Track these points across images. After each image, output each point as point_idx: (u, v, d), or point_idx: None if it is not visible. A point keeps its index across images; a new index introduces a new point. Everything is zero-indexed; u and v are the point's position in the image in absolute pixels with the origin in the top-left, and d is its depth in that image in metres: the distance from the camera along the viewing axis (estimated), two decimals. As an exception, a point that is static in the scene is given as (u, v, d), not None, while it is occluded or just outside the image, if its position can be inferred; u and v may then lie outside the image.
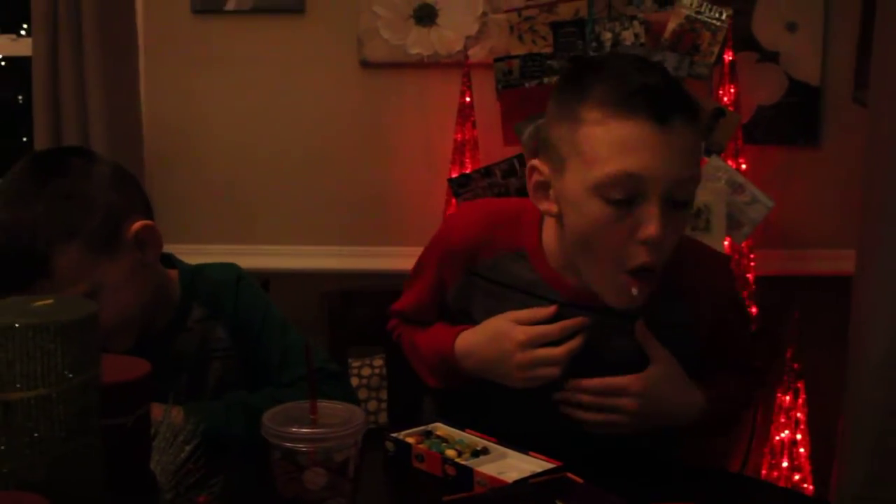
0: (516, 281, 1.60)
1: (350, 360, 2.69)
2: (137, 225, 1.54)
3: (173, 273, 1.69)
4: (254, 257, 2.81)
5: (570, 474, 1.33)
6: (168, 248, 1.74)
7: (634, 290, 1.44)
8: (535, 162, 1.51)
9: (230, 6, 2.99)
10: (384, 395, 2.80)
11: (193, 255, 1.80)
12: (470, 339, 1.62)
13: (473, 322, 1.64)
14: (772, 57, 2.96)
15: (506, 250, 1.61)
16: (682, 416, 1.55)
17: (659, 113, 1.35)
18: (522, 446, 1.46)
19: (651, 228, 1.38)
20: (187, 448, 1.24)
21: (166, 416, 1.27)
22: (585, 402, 1.52)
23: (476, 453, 1.45)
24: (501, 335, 1.56)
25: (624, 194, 1.38)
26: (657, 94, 1.36)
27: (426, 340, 1.71)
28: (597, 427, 1.52)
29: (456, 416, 1.58)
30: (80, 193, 1.49)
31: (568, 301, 1.56)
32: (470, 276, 1.64)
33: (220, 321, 1.67)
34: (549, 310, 1.54)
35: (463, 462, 1.41)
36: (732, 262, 2.80)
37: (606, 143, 1.38)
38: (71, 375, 0.85)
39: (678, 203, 1.40)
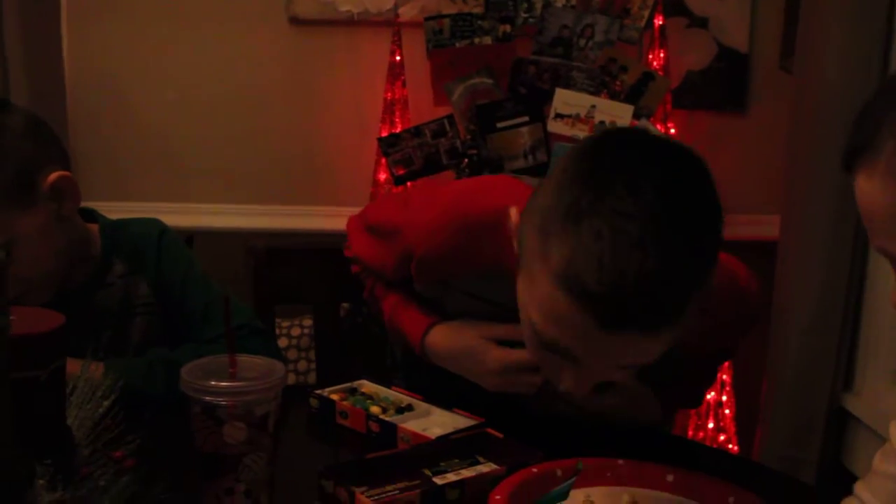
0: (494, 296, 1.45)
1: (278, 320, 2.67)
2: (53, 176, 1.50)
3: (94, 228, 1.66)
4: (179, 215, 2.75)
5: (490, 430, 1.34)
6: (91, 205, 1.71)
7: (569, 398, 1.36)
8: (513, 212, 1.28)
9: (156, -42, 2.93)
10: (314, 355, 2.78)
11: (118, 212, 1.77)
12: (441, 344, 1.54)
13: (445, 311, 1.56)
14: (701, 23, 2.98)
15: (483, 267, 1.43)
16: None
17: (607, 325, 1.11)
18: (447, 403, 1.46)
19: (571, 386, 1.23)
20: (105, 403, 1.22)
21: (84, 371, 1.25)
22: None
23: (401, 410, 1.45)
24: (475, 353, 1.47)
25: (548, 344, 1.20)
26: (624, 311, 1.10)
27: (400, 319, 1.60)
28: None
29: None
30: None
31: None
32: (442, 284, 1.55)
33: (143, 277, 1.65)
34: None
35: (387, 419, 1.41)
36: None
37: (548, 304, 1.15)
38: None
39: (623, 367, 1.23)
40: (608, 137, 1.25)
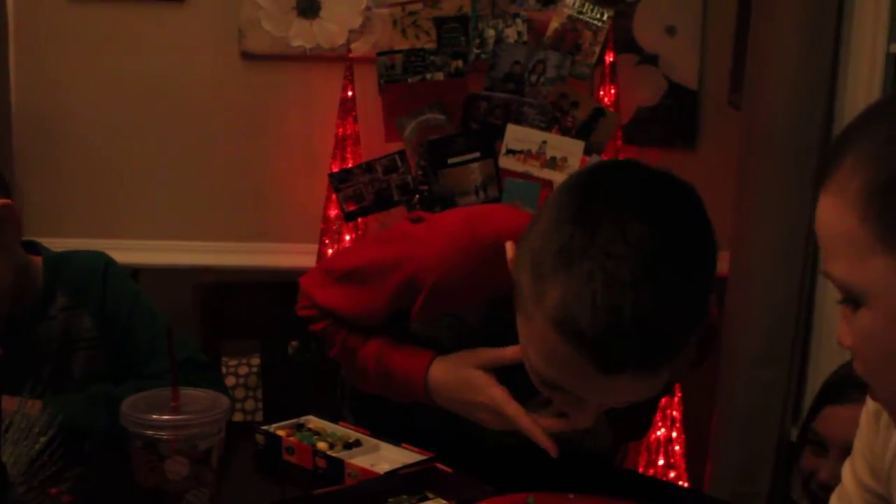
0: (507, 326, 1.28)
1: (225, 359, 2.63)
2: None
3: (37, 260, 1.63)
4: (125, 251, 2.70)
5: (440, 465, 1.32)
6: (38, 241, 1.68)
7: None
8: (509, 246, 1.26)
9: (106, -8, 2.90)
10: (261, 394, 2.75)
11: (62, 248, 1.73)
12: (442, 378, 1.44)
13: (441, 346, 1.47)
14: (651, 59, 3.01)
15: (497, 295, 1.33)
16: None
17: (605, 368, 1.11)
18: (396, 439, 1.44)
19: (579, 422, 1.27)
20: (42, 440, 1.19)
21: (21, 407, 1.22)
22: None
23: (348, 445, 1.43)
24: (473, 389, 1.40)
25: (555, 387, 1.21)
26: (621, 353, 1.10)
27: (392, 361, 1.48)
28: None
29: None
30: None
31: None
32: (451, 317, 1.46)
33: (86, 310, 1.62)
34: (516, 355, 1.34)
35: (334, 454, 1.38)
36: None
37: (545, 345, 1.14)
38: None
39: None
40: (600, 172, 1.23)
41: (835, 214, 0.89)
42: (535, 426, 1.32)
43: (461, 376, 1.41)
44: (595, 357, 1.09)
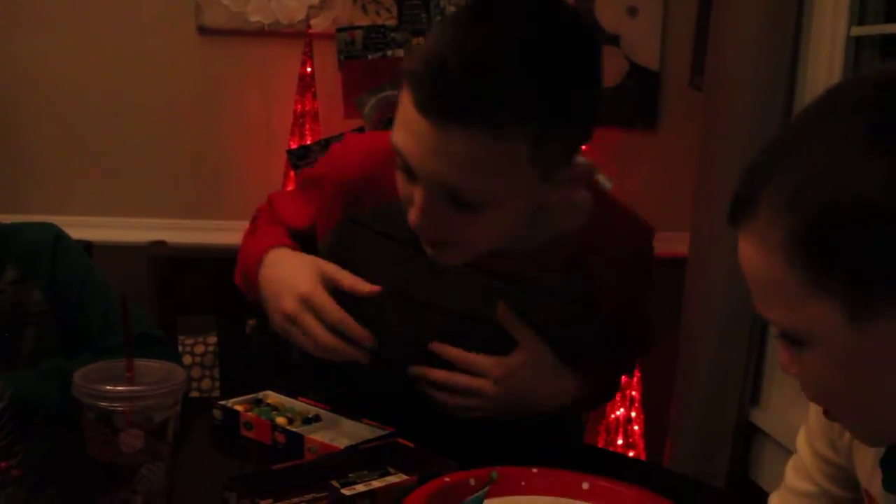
0: (400, 232, 1.38)
1: (181, 338, 2.59)
2: None
3: None
4: (78, 228, 2.64)
5: (401, 439, 1.30)
6: (-16, 217, 1.63)
7: (428, 250, 1.33)
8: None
9: (59, -35, 2.84)
10: (218, 372, 2.71)
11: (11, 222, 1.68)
12: (277, 258, 1.44)
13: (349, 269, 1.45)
14: (613, 40, 3.00)
15: (392, 197, 1.36)
16: (549, 405, 1.45)
17: (433, 113, 1.15)
18: (355, 413, 1.42)
19: (413, 214, 1.25)
20: (-8, 414, 1.15)
21: (-31, 381, 1.18)
22: (440, 379, 1.40)
23: (308, 420, 1.40)
24: (300, 277, 1.38)
25: (402, 163, 1.24)
26: (448, 92, 1.14)
27: (259, 235, 1.53)
28: (454, 410, 1.41)
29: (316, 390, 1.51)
30: None
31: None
32: (350, 223, 1.47)
33: (36, 284, 1.57)
34: (367, 288, 1.37)
35: (293, 429, 1.36)
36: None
37: (401, 105, 1.21)
38: None
39: (462, 204, 1.22)
40: None
41: (761, 262, 0.87)
42: (347, 318, 1.33)
43: (297, 263, 1.41)
44: (423, 100, 1.14)
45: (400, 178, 1.28)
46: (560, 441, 1.60)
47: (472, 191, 1.20)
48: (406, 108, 1.18)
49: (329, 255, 1.47)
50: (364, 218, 1.46)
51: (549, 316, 1.43)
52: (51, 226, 1.64)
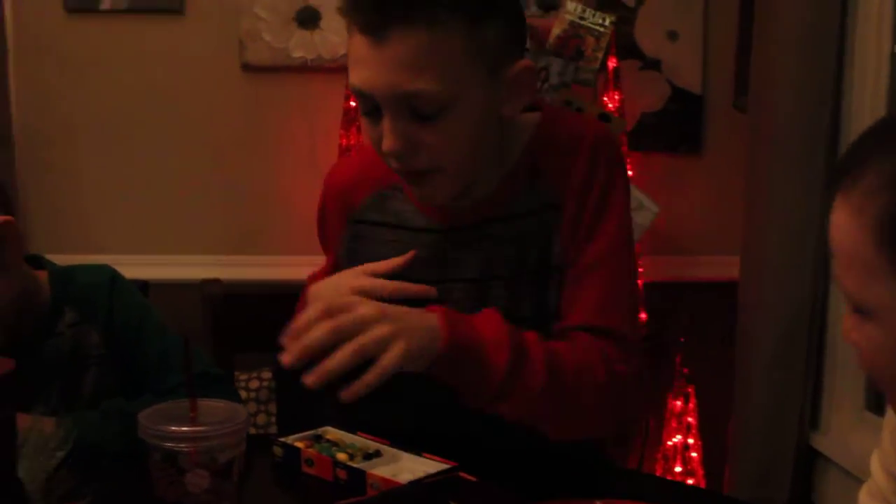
0: (395, 217, 1.50)
1: (237, 373, 2.60)
2: None
3: (42, 275, 1.60)
4: (132, 267, 2.69)
5: (463, 473, 1.29)
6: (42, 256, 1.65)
7: (415, 191, 1.42)
8: None
9: (105, 5, 2.88)
10: (273, 408, 2.72)
11: (70, 265, 1.70)
12: (321, 281, 1.50)
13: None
14: (654, 65, 2.99)
15: (381, 187, 1.50)
16: (475, 359, 1.28)
17: (371, 26, 1.27)
18: (416, 448, 1.41)
19: (385, 142, 1.32)
20: (59, 455, 1.16)
21: (35, 423, 1.19)
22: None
23: (368, 456, 1.40)
24: (341, 280, 1.45)
25: (365, 107, 1.33)
26: (371, 5, 1.27)
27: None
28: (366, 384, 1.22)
29: (355, 417, 1.50)
30: None
31: (447, 227, 1.46)
32: (353, 225, 1.54)
33: (94, 325, 1.58)
34: (402, 260, 1.44)
35: (354, 465, 1.35)
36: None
37: (349, 49, 1.33)
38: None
39: (424, 115, 1.30)
40: None
41: (850, 233, 0.90)
42: (404, 283, 1.41)
43: (334, 277, 1.48)
44: (363, 19, 1.26)
45: (368, 128, 1.35)
46: (604, 468, 1.57)
47: (427, 95, 1.28)
48: (353, 46, 1.30)
49: (341, 265, 1.53)
50: (359, 214, 1.54)
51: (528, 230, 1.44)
52: (107, 267, 1.66)
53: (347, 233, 1.55)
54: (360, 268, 1.45)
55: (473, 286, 1.46)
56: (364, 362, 1.20)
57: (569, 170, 1.41)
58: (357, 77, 1.31)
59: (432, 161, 1.35)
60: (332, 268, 1.57)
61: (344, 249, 1.55)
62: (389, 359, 1.18)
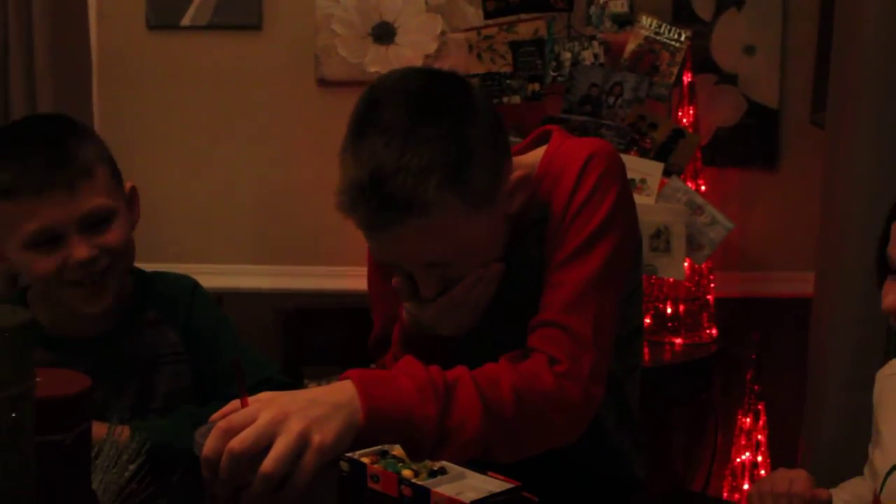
0: None
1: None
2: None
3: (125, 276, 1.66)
4: (206, 276, 2.73)
5: (526, 493, 1.30)
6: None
7: None
8: None
9: (186, 22, 2.95)
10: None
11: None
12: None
13: None
14: (730, 79, 2.97)
15: None
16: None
17: (376, 226, 1.33)
18: (481, 466, 1.42)
19: (423, 292, 1.41)
20: (132, 467, 1.20)
21: (110, 434, 1.23)
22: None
23: (433, 473, 1.41)
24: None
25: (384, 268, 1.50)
26: (374, 209, 1.29)
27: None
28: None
29: None
30: None
31: None
32: None
33: (173, 327, 1.65)
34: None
35: (420, 482, 1.37)
36: (691, 282, 2.79)
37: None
38: (1, 387, 0.80)
39: (446, 263, 1.38)
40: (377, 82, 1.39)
41: None
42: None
43: None
44: (358, 221, 1.32)
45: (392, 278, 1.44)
46: (682, 492, 1.57)
47: (445, 256, 1.36)
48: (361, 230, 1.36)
49: None
50: None
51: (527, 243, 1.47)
52: (189, 277, 1.74)
53: None
54: None
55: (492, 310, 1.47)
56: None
57: (558, 185, 1.44)
58: (375, 255, 1.45)
59: (461, 278, 1.41)
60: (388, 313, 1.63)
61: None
62: (307, 462, 1.10)
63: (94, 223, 1.54)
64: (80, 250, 1.51)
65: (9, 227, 1.51)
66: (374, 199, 1.27)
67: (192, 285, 1.72)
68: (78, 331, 1.60)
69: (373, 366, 1.68)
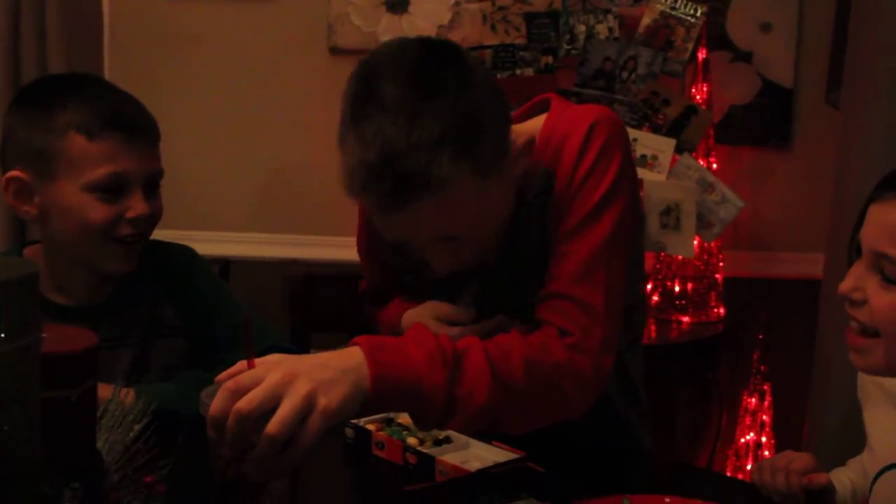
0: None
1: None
2: None
3: None
4: (214, 243, 2.74)
5: (532, 464, 1.30)
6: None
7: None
8: None
9: (199, -12, 2.94)
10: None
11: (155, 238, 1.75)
12: (410, 317, 1.55)
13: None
14: (745, 57, 2.94)
15: None
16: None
17: (383, 209, 1.31)
18: (486, 436, 1.42)
19: (436, 267, 1.40)
20: (137, 428, 1.19)
21: (115, 395, 1.22)
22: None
23: (438, 442, 1.41)
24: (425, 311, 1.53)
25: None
26: (388, 190, 1.26)
27: (384, 318, 1.64)
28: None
29: None
30: None
31: None
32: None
33: (170, 299, 1.64)
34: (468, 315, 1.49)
35: (424, 450, 1.37)
36: (699, 260, 2.78)
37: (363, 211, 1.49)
38: (7, 339, 0.79)
39: (458, 236, 1.37)
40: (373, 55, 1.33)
41: None
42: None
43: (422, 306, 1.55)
44: (375, 205, 1.28)
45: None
46: (689, 468, 1.57)
47: (460, 228, 1.34)
48: (369, 213, 1.35)
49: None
50: None
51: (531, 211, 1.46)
52: (187, 248, 1.73)
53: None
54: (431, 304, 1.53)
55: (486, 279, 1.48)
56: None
57: (562, 154, 1.41)
58: (381, 230, 1.36)
59: (475, 254, 1.40)
60: (374, 269, 1.70)
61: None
62: (311, 425, 1.09)
63: (154, 185, 1.59)
64: (142, 206, 1.54)
65: (79, 167, 1.51)
66: (387, 180, 1.23)
67: (190, 255, 1.71)
68: (74, 298, 1.60)
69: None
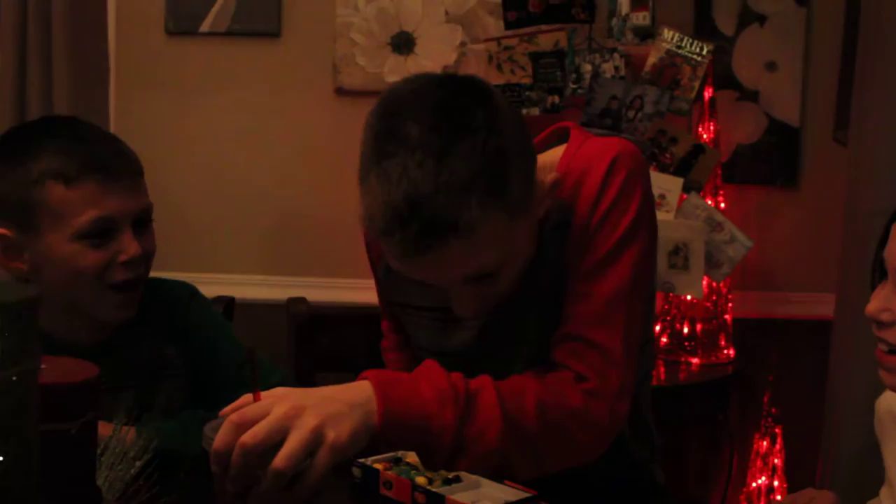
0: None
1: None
2: None
3: None
4: (219, 286, 2.71)
5: (543, 503, 1.26)
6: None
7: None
8: None
9: (205, 28, 2.94)
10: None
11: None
12: None
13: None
14: (751, 96, 2.94)
15: None
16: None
17: (404, 253, 1.23)
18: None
19: (462, 310, 1.34)
20: (138, 464, 1.17)
21: (116, 432, 1.20)
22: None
23: (448, 481, 1.37)
24: None
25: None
26: (414, 237, 1.19)
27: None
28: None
29: None
30: None
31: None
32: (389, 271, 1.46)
33: (171, 340, 1.62)
34: None
35: (434, 489, 1.33)
36: (709, 301, 2.75)
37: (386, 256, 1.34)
38: (5, 364, 0.77)
39: (485, 275, 1.29)
40: (392, 93, 1.27)
41: None
42: None
43: None
44: (393, 248, 1.20)
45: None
46: (650, 490, 1.53)
47: (487, 268, 1.26)
48: (389, 256, 1.26)
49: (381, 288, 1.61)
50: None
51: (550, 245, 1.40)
52: (188, 285, 1.70)
53: (383, 265, 1.53)
54: None
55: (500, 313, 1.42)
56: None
57: (582, 187, 1.36)
58: (404, 272, 1.27)
59: (498, 296, 1.34)
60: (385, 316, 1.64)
61: (382, 275, 1.58)
62: (320, 460, 1.08)
63: (142, 222, 1.55)
64: (133, 247, 1.50)
65: (61, 216, 1.47)
66: (413, 224, 1.17)
67: (191, 293, 1.68)
68: (76, 340, 1.55)
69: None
